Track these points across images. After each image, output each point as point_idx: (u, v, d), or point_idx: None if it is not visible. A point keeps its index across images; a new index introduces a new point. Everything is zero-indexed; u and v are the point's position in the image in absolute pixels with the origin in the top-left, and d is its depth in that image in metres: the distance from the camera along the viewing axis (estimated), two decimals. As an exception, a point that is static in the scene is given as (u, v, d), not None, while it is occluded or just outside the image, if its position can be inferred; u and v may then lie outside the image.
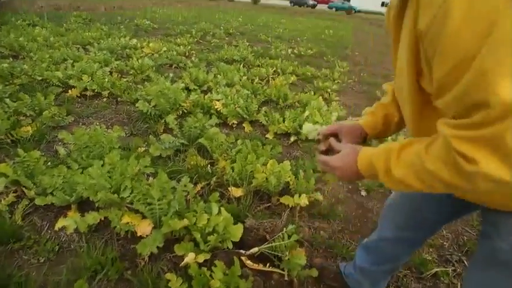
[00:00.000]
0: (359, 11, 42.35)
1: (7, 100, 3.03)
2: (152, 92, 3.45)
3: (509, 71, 0.53)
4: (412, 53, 0.71)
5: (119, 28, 8.40)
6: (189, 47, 6.68)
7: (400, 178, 0.74)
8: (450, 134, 0.62)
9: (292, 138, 3.23)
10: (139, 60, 4.87)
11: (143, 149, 2.72)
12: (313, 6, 46.36)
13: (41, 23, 8.13)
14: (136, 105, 3.30)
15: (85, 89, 3.85)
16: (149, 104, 3.34)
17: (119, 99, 3.84)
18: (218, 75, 4.50)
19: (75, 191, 1.89)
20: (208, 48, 7.13)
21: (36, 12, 10.07)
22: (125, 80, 4.40)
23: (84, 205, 1.99)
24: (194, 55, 6.24)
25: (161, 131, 3.15)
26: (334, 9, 44.33)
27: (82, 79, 3.92)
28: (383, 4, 50.29)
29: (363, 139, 1.09)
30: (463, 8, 0.54)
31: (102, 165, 2.05)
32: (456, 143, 0.60)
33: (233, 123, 3.43)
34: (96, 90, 3.85)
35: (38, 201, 1.89)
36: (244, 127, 3.38)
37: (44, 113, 3.01)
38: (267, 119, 3.46)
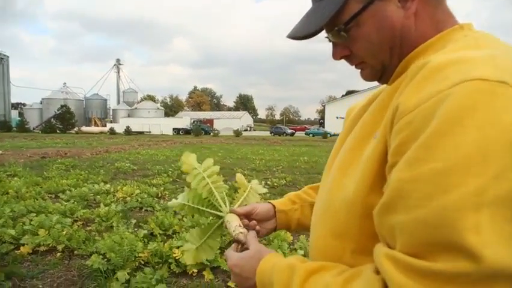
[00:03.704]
0: (334, 135, 46.37)
1: None
2: (107, 244, 3.28)
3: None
4: (375, 149, 0.54)
5: (98, 172, 8.65)
6: (163, 187, 6.81)
7: None
8: (396, 279, 0.41)
9: (256, 285, 2.96)
10: (106, 207, 4.83)
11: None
12: (292, 134, 50.81)
13: (21, 174, 8.32)
14: (87, 262, 3.10)
15: (39, 245, 3.64)
16: (104, 258, 3.15)
17: (75, 252, 3.62)
18: (184, 218, 4.43)
19: None
20: (183, 186, 7.26)
21: (21, 163, 10.47)
22: (88, 228, 4.26)
23: None
24: (167, 195, 6.30)
25: (111, 289, 2.86)
26: (311, 135, 48.68)
27: (37, 234, 3.75)
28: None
29: (275, 226, 0.98)
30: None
31: None
32: None
33: (193, 272, 3.18)
34: (51, 245, 3.65)
35: None
36: (204, 275, 3.13)
37: (-23, 282, 2.74)
38: (229, 264, 3.24)
